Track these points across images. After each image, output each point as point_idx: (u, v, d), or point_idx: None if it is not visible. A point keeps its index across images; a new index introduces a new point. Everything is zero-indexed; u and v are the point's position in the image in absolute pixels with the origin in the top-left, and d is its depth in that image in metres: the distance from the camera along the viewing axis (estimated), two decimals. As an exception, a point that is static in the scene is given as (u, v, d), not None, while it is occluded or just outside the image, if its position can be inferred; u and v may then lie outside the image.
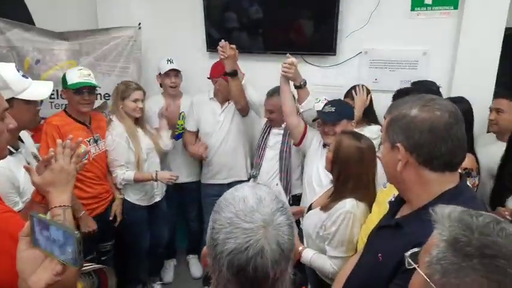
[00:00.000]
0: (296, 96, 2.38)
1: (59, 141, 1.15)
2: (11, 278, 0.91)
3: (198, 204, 3.08)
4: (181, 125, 2.95)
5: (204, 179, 2.95)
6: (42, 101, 2.19)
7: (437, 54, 2.58)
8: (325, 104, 2.22)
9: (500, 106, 2.27)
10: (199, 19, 2.95)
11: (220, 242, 0.73)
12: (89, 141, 2.36)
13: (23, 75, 1.54)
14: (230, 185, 2.73)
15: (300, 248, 1.75)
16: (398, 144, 1.01)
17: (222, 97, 2.77)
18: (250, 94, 2.63)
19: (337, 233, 1.63)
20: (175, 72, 2.84)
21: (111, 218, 2.54)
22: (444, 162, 0.99)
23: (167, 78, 2.82)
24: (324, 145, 2.18)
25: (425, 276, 0.70)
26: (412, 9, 2.59)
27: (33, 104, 1.59)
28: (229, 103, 2.77)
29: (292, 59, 2.21)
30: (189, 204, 3.14)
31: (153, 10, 3.08)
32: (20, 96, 1.50)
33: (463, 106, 1.98)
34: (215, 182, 2.85)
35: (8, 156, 1.39)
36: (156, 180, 2.57)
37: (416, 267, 0.75)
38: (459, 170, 1.05)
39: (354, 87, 2.56)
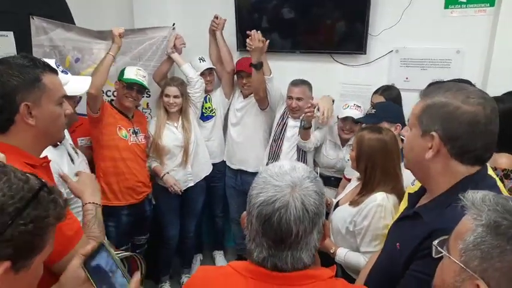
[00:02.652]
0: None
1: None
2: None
3: (223, 201, 3.17)
4: (210, 108, 3.00)
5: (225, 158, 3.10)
6: (81, 98, 2.30)
7: (471, 53, 2.52)
8: (370, 106, 2.24)
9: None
10: (231, 19, 2.99)
11: (253, 196, 0.86)
12: (129, 131, 2.52)
13: (62, 71, 1.54)
14: (239, 171, 2.96)
15: (334, 248, 1.75)
16: (433, 133, 0.98)
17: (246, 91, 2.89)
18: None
19: (370, 227, 1.62)
20: (210, 71, 2.93)
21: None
22: (475, 156, 0.97)
23: (203, 77, 2.88)
24: None
25: (461, 264, 0.68)
26: (446, 7, 2.54)
27: (71, 100, 1.61)
28: (250, 97, 2.86)
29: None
30: (215, 202, 3.20)
31: (186, 10, 3.15)
32: None
33: (504, 106, 1.90)
34: (228, 165, 3.05)
35: (52, 149, 1.49)
36: (161, 179, 2.69)
37: (449, 256, 0.73)
38: (499, 172, 1.04)
39: None
